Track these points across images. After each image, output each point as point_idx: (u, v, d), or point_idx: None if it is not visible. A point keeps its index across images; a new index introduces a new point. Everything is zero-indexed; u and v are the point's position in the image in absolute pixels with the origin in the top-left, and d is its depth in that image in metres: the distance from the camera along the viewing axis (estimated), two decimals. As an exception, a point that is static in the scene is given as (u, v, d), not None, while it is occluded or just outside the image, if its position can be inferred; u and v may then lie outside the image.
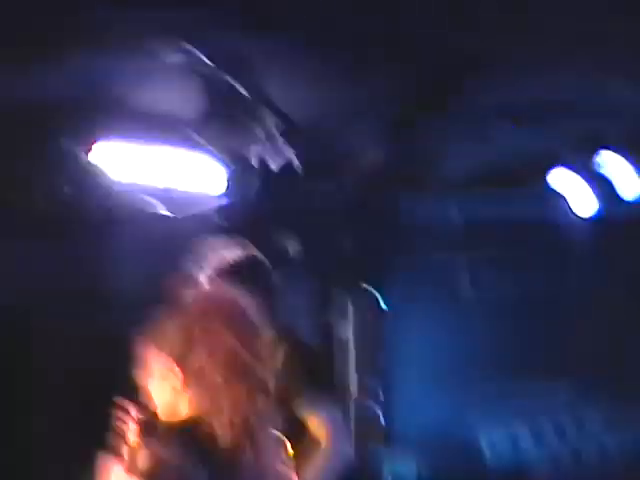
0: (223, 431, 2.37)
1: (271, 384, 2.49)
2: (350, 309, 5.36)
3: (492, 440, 5.36)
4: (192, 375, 2.43)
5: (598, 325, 5.31)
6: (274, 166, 4.64)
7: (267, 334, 2.52)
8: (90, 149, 4.47)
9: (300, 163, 4.65)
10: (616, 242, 5.28)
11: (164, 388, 2.47)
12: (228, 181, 4.65)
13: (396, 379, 5.51)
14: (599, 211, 5.13)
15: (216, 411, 2.40)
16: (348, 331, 5.37)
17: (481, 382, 5.31)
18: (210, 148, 4.62)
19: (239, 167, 4.61)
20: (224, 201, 4.65)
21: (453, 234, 5.28)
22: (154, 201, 4.55)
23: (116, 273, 4.63)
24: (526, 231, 5.29)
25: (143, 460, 2.37)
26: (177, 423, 2.45)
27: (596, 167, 5.06)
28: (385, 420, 5.42)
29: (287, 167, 4.63)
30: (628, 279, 5.46)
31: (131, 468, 2.41)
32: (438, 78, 4.33)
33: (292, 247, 4.94)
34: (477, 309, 5.39)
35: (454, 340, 5.36)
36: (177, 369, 2.44)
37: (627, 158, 4.94)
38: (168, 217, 4.52)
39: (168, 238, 4.59)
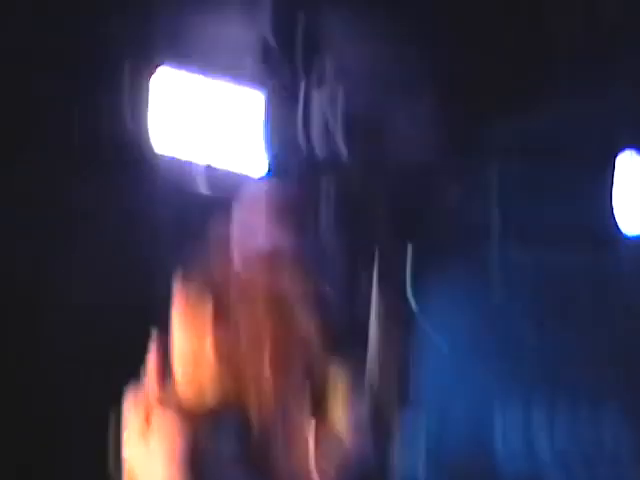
0: (254, 412, 2.30)
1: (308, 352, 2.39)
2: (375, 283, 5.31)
3: (506, 430, 5.37)
4: (222, 353, 2.33)
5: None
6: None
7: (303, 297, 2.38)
8: (151, 74, 4.34)
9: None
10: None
11: (192, 366, 2.36)
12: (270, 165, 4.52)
13: (417, 353, 5.48)
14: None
15: (249, 392, 2.31)
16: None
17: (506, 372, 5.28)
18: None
19: (283, 151, 4.49)
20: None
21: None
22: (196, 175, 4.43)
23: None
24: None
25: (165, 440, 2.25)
26: (205, 403, 2.34)
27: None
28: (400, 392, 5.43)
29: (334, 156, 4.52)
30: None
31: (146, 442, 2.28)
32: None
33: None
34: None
35: (484, 317, 5.30)
36: (208, 344, 2.34)
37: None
38: (205, 196, 4.38)
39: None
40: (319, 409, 2.76)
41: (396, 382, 5.37)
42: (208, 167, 4.43)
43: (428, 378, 5.42)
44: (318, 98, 4.69)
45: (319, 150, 4.56)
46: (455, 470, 5.19)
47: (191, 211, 4.28)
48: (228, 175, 4.47)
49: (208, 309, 2.34)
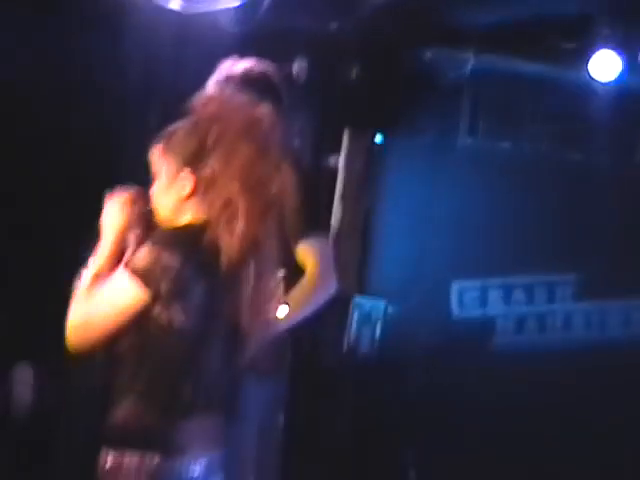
0: (230, 241, 2.33)
1: (281, 203, 2.42)
2: (346, 142, 5.38)
3: (462, 293, 5.44)
4: (204, 181, 2.38)
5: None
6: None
7: (280, 150, 2.45)
8: None
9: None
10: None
11: (170, 193, 2.44)
12: None
13: (379, 220, 5.55)
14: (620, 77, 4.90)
15: (225, 220, 2.35)
16: (339, 163, 5.40)
17: (465, 238, 5.35)
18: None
19: None
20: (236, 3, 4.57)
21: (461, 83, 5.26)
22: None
23: (121, 63, 4.57)
24: (541, 87, 5.20)
25: (140, 257, 2.34)
26: (181, 227, 2.42)
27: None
28: (361, 258, 5.50)
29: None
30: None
31: (127, 262, 2.38)
32: None
33: (300, 70, 4.90)
34: (476, 162, 5.40)
35: (447, 192, 5.37)
36: (188, 174, 2.40)
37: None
38: (177, 13, 4.44)
39: (177, 35, 4.58)
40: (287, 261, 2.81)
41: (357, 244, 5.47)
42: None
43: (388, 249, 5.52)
44: None
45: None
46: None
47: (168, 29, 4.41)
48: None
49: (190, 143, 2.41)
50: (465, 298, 5.40)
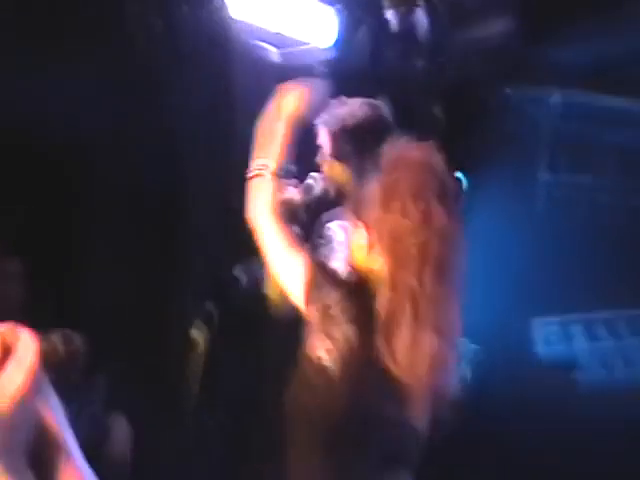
0: (385, 287, 2.35)
1: (441, 250, 2.38)
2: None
3: (546, 335, 5.43)
4: (371, 231, 2.41)
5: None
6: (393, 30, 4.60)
7: (454, 202, 2.43)
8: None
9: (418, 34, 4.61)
10: None
11: (355, 247, 2.48)
12: (338, 34, 4.59)
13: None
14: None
15: (382, 267, 2.37)
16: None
17: (546, 275, 5.33)
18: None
19: (353, 21, 4.58)
20: (331, 54, 4.61)
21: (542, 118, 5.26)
22: (264, 44, 4.52)
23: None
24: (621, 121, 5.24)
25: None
26: (356, 271, 2.46)
27: None
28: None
29: (404, 34, 4.60)
30: None
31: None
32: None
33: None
34: (555, 197, 5.39)
35: (527, 228, 5.35)
36: (361, 226, 2.43)
37: None
38: (275, 62, 4.48)
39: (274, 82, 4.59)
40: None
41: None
42: (278, 34, 4.51)
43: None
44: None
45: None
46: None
47: (262, 76, 4.42)
48: (297, 43, 4.58)
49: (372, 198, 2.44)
50: (548, 335, 5.40)
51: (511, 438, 5.08)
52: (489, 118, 5.22)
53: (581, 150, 5.43)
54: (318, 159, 3.54)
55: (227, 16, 4.27)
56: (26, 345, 1.16)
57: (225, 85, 4.49)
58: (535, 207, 5.41)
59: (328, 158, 3.53)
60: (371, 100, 3.61)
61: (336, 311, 2.39)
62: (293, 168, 2.65)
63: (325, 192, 3.48)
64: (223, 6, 4.23)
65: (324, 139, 3.55)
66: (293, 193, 3.38)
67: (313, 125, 3.50)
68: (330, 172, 3.52)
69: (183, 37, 4.42)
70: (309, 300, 2.45)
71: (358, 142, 3.50)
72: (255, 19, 4.45)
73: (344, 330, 2.38)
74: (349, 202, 2.67)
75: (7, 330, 1.18)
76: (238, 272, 3.31)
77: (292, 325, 2.58)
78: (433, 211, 2.37)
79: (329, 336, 2.39)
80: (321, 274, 2.48)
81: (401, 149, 2.51)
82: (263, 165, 2.62)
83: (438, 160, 2.46)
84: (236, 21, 4.36)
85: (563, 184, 5.49)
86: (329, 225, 3.54)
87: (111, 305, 4.12)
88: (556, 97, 5.10)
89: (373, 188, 2.43)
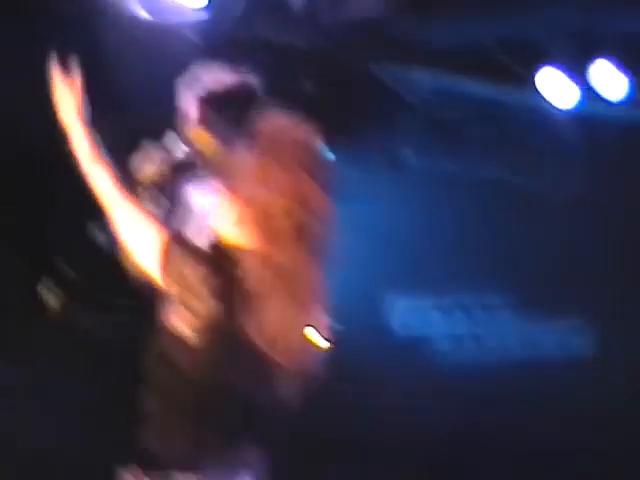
0: (252, 261, 2.32)
1: (316, 230, 2.37)
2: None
3: (402, 311, 5.52)
4: (243, 207, 2.37)
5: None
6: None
7: (327, 174, 2.42)
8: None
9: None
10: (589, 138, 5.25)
11: (225, 220, 2.43)
12: None
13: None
14: (578, 106, 5.01)
15: (254, 245, 2.34)
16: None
17: (404, 258, 5.40)
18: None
19: None
20: (203, 17, 4.53)
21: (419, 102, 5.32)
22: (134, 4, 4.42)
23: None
24: (496, 112, 5.29)
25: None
26: (220, 245, 2.40)
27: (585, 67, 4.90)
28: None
29: (278, 4, 4.54)
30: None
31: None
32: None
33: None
34: (419, 182, 5.45)
35: (389, 210, 5.39)
36: (233, 200, 2.39)
37: (617, 63, 4.82)
38: (148, 23, 4.38)
39: (149, 46, 4.51)
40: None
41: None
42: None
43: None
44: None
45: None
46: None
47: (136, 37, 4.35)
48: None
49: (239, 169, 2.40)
50: (405, 317, 5.50)
51: (367, 415, 5.17)
52: (359, 95, 5.24)
53: (447, 131, 5.51)
54: (179, 123, 3.46)
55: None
56: None
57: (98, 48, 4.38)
58: (399, 189, 5.47)
59: (192, 124, 3.45)
60: (239, 68, 3.55)
61: (198, 284, 2.36)
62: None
63: (187, 156, 3.40)
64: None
65: (188, 104, 3.48)
66: (150, 169, 3.26)
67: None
68: (195, 139, 3.44)
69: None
70: (166, 272, 2.38)
71: (225, 110, 3.44)
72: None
73: (207, 304, 2.35)
74: (217, 171, 2.64)
75: None
76: (94, 231, 3.21)
77: (146, 294, 2.54)
78: (310, 191, 2.36)
79: (190, 310, 2.35)
80: (180, 246, 2.43)
81: (279, 125, 2.47)
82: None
83: (316, 140, 2.46)
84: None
85: (427, 169, 5.56)
86: (190, 192, 3.48)
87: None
88: (426, 77, 5.15)
89: (247, 161, 2.39)
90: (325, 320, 2.54)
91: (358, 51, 5.00)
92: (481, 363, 5.42)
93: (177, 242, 2.42)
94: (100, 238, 3.22)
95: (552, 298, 5.33)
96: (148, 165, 3.25)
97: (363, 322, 5.26)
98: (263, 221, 2.34)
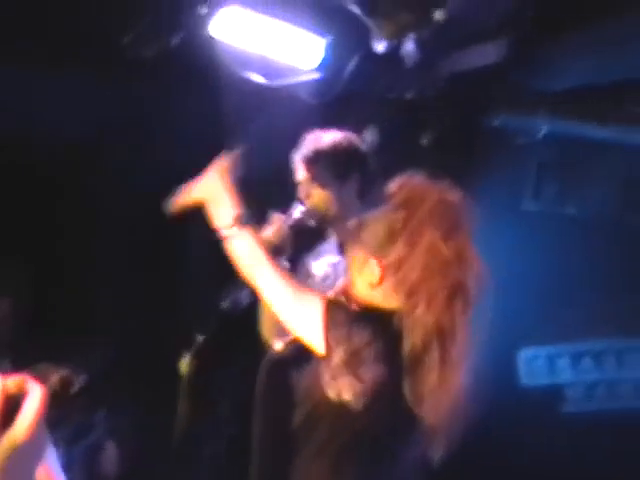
0: (411, 327, 2.32)
1: (467, 290, 2.37)
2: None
3: (529, 359, 5.39)
4: (390, 269, 2.37)
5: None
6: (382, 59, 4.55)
7: (467, 235, 2.41)
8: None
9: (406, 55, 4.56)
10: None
11: (362, 278, 2.43)
12: (326, 60, 4.45)
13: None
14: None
15: (411, 307, 2.34)
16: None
17: (530, 304, 5.29)
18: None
19: (343, 50, 4.47)
20: (316, 76, 4.52)
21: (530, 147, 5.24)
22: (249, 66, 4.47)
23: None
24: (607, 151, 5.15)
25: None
26: (372, 308, 2.41)
27: None
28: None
29: (392, 65, 4.55)
30: None
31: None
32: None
33: (372, 138, 4.89)
34: (539, 227, 5.36)
35: (511, 256, 5.30)
36: (375, 264, 2.39)
37: None
38: (260, 84, 4.43)
39: (260, 105, 4.57)
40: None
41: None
42: (263, 57, 4.40)
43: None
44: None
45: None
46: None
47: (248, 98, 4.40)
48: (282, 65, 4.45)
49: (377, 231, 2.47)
50: (533, 366, 5.36)
51: (503, 472, 5.05)
52: (477, 148, 5.20)
53: (568, 179, 5.41)
54: (298, 194, 3.48)
55: (214, 40, 4.25)
56: (34, 397, 1.21)
57: (214, 112, 4.47)
58: (520, 235, 5.38)
59: (305, 187, 3.48)
60: (343, 132, 3.60)
61: (365, 348, 2.31)
62: (251, 214, 2.59)
63: (307, 218, 3.41)
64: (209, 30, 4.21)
65: (300, 170, 3.52)
66: (269, 231, 3.29)
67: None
68: (310, 200, 3.46)
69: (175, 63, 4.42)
70: (331, 337, 2.33)
71: (333, 167, 3.47)
72: (241, 43, 4.37)
73: (373, 368, 2.31)
74: (345, 235, 2.62)
75: (14, 382, 1.23)
76: (225, 303, 3.25)
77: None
78: (464, 250, 2.34)
79: (358, 378, 2.30)
80: (342, 310, 2.39)
81: (417, 185, 2.47)
82: (228, 224, 2.53)
83: (458, 197, 2.43)
84: (221, 44, 4.32)
85: (547, 213, 5.47)
86: (316, 262, 3.51)
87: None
88: (543, 125, 5.07)
89: (387, 223, 2.37)
90: (472, 378, 2.49)
91: (474, 101, 4.97)
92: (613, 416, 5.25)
93: (339, 306, 2.39)
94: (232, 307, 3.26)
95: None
96: (276, 235, 3.27)
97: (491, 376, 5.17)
98: (419, 284, 2.31)
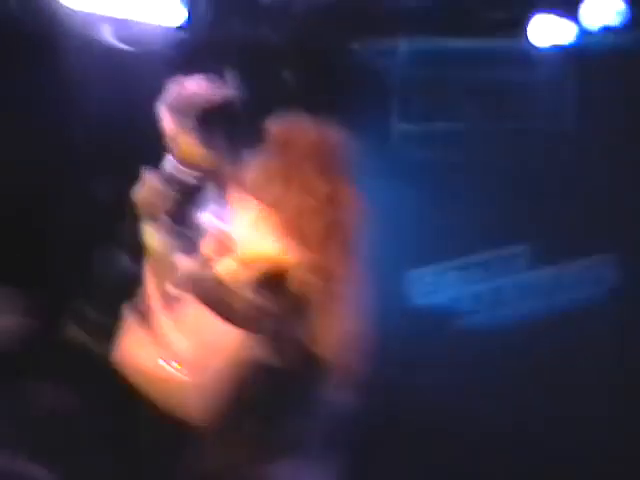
0: (295, 269, 2.34)
1: (347, 225, 2.40)
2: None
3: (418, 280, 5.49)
4: (267, 211, 2.38)
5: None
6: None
7: (345, 170, 2.43)
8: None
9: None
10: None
11: (243, 227, 2.44)
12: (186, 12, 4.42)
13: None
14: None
15: (289, 248, 2.36)
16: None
17: (411, 224, 5.36)
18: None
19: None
20: (180, 34, 4.48)
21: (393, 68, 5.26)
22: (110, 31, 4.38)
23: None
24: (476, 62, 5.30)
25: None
26: (260, 266, 2.40)
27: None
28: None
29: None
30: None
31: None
32: None
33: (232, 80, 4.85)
34: (413, 146, 5.41)
35: (388, 180, 5.35)
36: (254, 205, 2.39)
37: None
38: (124, 49, 4.34)
39: (126, 71, 4.47)
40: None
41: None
42: (125, 20, 4.32)
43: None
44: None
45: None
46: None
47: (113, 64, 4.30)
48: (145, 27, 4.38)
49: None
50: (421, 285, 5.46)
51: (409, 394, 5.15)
52: (339, 77, 5.20)
53: (434, 96, 5.46)
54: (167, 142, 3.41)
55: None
56: None
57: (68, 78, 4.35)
58: (395, 157, 5.43)
59: (173, 136, 3.38)
60: (206, 78, 3.52)
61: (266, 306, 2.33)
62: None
63: (179, 169, 3.33)
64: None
65: (166, 120, 3.42)
66: (144, 191, 3.20)
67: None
68: (180, 150, 3.38)
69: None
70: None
71: (198, 112, 3.40)
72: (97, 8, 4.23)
73: (274, 323, 2.32)
74: (223, 181, 2.60)
75: None
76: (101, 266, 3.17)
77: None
78: (338, 188, 2.37)
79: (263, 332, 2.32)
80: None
81: (290, 125, 2.46)
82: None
83: (333, 134, 2.43)
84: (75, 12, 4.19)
85: (419, 131, 5.52)
86: (201, 213, 3.44)
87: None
88: (403, 46, 5.11)
89: (262, 166, 2.37)
90: (368, 310, 2.51)
91: (335, 34, 4.98)
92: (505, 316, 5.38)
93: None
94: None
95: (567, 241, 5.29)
96: (150, 193, 3.20)
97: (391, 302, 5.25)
98: (295, 225, 2.31)
